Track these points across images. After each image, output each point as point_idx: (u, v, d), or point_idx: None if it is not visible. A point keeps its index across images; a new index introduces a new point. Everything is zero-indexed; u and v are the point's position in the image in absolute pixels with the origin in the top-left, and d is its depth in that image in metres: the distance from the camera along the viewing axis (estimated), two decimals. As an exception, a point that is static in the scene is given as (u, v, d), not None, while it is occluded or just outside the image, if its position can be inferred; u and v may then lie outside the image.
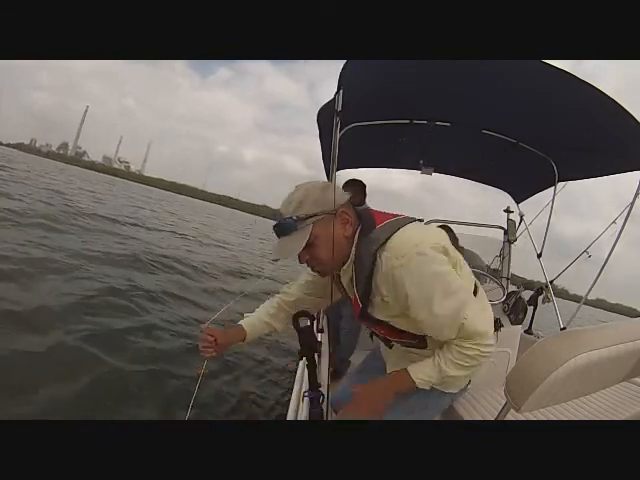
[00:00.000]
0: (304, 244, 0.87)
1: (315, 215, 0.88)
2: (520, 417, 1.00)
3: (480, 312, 0.90)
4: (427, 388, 0.92)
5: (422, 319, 0.86)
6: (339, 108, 1.57)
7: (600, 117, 1.63)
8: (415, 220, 0.93)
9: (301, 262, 0.93)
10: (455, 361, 0.88)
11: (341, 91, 1.55)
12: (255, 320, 1.16)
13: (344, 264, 0.94)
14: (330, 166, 1.73)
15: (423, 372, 0.91)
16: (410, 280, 0.83)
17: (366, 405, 0.94)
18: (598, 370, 0.79)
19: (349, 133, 2.02)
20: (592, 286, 2.35)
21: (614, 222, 2.13)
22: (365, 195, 2.36)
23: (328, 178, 1.91)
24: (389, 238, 0.86)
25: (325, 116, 1.92)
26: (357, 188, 2.32)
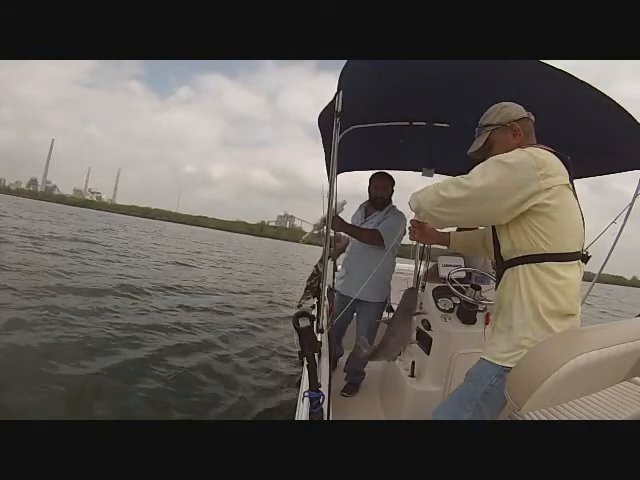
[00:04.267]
0: (481, 144, 1.19)
1: (491, 125, 1.16)
2: (520, 417, 1.00)
3: (470, 197, 0.97)
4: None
5: None
6: (339, 109, 1.56)
7: (600, 117, 1.63)
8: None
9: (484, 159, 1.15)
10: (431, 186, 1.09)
11: (341, 92, 1.55)
12: (460, 234, 1.51)
13: None
14: (330, 168, 1.73)
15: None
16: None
17: None
18: (598, 370, 0.79)
19: (350, 135, 2.02)
20: (592, 285, 2.35)
21: (614, 222, 2.13)
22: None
23: (329, 179, 1.90)
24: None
25: (326, 119, 1.91)
26: (387, 182, 2.36)
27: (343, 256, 2.50)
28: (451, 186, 1.00)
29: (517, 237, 1.02)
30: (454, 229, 1.55)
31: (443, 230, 1.45)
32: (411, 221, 1.40)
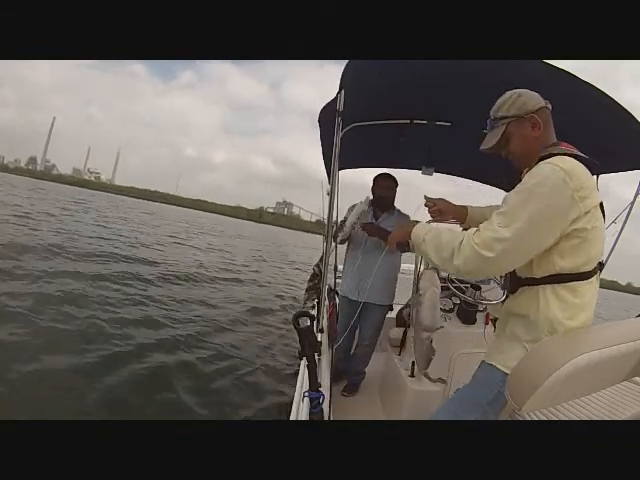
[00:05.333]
0: (497, 139, 1.06)
1: (507, 117, 1.04)
2: (520, 417, 1.00)
3: (517, 247, 0.87)
4: (412, 239, 1.08)
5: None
6: (341, 108, 1.57)
7: (600, 117, 1.62)
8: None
9: (501, 155, 1.10)
10: (447, 236, 0.97)
11: (342, 91, 1.55)
12: (477, 209, 1.35)
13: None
14: (331, 166, 1.73)
15: (424, 226, 1.08)
16: (531, 172, 0.92)
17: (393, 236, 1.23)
18: (599, 370, 0.79)
19: (350, 133, 2.02)
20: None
21: (614, 222, 2.13)
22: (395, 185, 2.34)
23: (329, 178, 1.90)
24: (557, 155, 0.93)
25: (326, 116, 1.91)
26: (391, 182, 2.30)
27: (353, 260, 2.36)
28: (493, 242, 0.87)
29: (538, 259, 0.94)
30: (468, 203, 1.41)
31: (459, 204, 1.36)
32: (427, 201, 1.33)
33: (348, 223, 2.17)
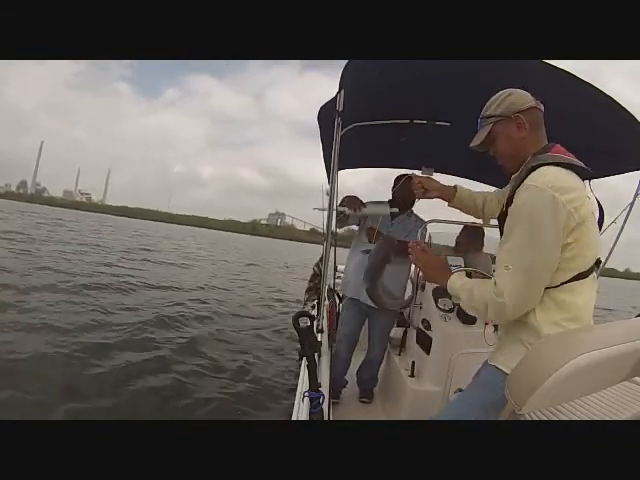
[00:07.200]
0: (483, 138, 1.08)
1: (493, 117, 1.05)
2: (520, 417, 1.00)
3: (530, 284, 0.88)
4: (449, 288, 1.07)
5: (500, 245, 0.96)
6: (340, 108, 1.57)
7: (600, 117, 1.63)
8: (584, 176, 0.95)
9: (491, 154, 1.12)
10: (477, 291, 0.97)
11: (342, 91, 1.55)
12: (466, 190, 1.38)
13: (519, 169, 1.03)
14: (331, 166, 1.74)
15: (458, 280, 1.07)
16: (521, 199, 0.91)
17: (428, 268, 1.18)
18: (599, 370, 0.79)
19: (350, 133, 2.02)
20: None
21: (614, 222, 2.13)
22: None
23: (328, 178, 1.91)
24: (548, 165, 0.92)
25: (325, 116, 1.92)
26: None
27: (359, 258, 2.27)
28: (504, 287, 0.89)
29: None
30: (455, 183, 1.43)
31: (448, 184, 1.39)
32: (415, 178, 1.39)
33: (368, 213, 2.13)
